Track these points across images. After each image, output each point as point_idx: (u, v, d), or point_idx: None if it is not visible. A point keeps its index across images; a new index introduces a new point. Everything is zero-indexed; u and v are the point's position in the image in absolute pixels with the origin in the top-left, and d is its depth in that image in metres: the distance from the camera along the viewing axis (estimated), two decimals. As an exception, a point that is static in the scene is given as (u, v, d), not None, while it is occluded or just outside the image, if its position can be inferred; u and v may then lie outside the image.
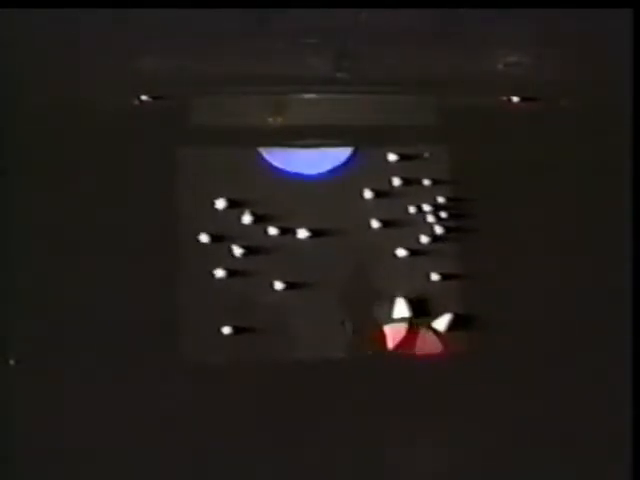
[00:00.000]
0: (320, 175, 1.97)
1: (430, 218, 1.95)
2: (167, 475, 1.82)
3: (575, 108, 2.01)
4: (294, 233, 1.93)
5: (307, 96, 2.01)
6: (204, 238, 1.92)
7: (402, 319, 1.90)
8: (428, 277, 1.92)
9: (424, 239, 1.94)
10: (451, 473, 1.86)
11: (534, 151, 1.99)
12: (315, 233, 1.93)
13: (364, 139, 1.99)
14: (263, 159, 1.97)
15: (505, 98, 2.02)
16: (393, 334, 1.89)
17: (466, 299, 1.92)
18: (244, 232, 1.93)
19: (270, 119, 2.00)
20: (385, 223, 1.94)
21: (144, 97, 1.98)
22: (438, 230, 1.94)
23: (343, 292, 1.91)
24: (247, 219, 1.92)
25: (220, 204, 1.93)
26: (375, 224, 1.94)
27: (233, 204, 1.93)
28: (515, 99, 2.02)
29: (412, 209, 1.95)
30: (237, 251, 1.91)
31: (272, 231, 1.93)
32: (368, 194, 1.95)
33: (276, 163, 1.97)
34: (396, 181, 1.96)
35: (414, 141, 1.99)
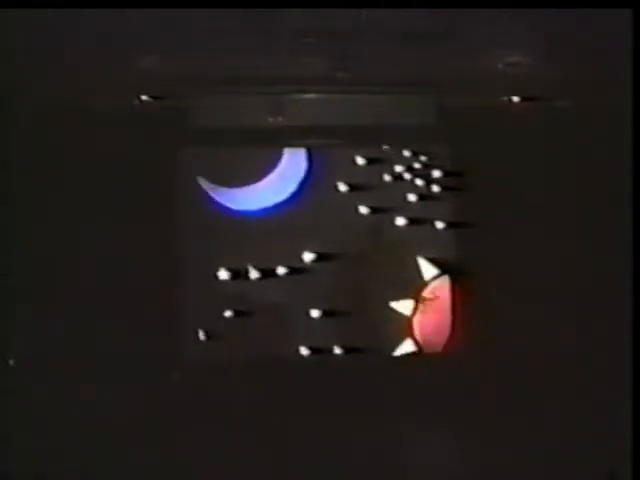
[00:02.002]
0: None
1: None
2: (167, 475, 1.82)
3: (575, 108, 2.01)
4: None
5: (307, 96, 2.01)
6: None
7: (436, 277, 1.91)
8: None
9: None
10: (450, 473, 1.86)
11: (534, 151, 1.99)
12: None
13: (364, 139, 1.99)
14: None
15: (505, 98, 2.03)
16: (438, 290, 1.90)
17: (465, 303, 1.93)
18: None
19: (270, 119, 2.00)
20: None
21: (144, 97, 1.98)
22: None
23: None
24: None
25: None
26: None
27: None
28: (515, 99, 2.02)
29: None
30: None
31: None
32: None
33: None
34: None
35: (414, 141, 2.00)
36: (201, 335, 1.89)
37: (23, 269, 1.87)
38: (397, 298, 1.93)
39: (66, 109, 1.95)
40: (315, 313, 1.91)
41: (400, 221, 1.95)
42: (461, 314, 1.93)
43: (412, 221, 1.95)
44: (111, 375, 1.84)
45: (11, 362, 1.85)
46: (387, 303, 1.93)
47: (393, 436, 1.86)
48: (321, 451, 1.84)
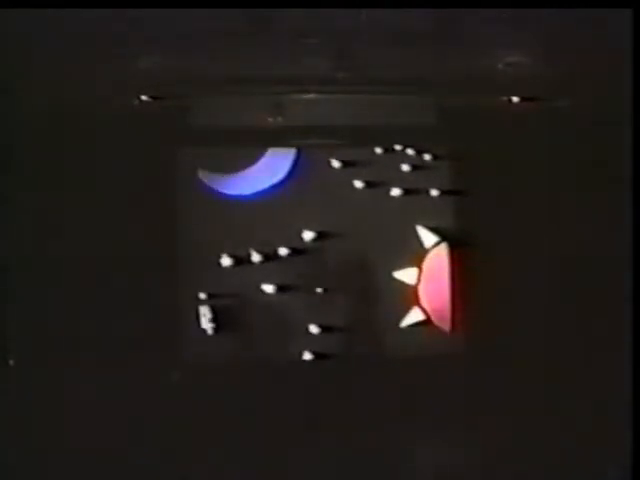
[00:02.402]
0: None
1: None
2: (167, 474, 1.82)
3: (575, 108, 2.01)
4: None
5: (307, 96, 2.01)
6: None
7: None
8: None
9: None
10: (451, 473, 1.86)
11: (534, 151, 1.99)
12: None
13: (364, 139, 1.99)
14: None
15: (505, 98, 2.02)
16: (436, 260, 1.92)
17: (466, 301, 1.93)
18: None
19: (270, 119, 2.00)
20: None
21: (144, 97, 1.98)
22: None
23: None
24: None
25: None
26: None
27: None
28: (515, 99, 2.02)
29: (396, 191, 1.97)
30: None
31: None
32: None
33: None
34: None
35: (414, 141, 2.00)
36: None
37: (23, 270, 1.87)
38: (400, 268, 1.94)
39: (66, 109, 1.95)
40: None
41: (395, 192, 1.96)
42: (460, 282, 1.93)
43: (407, 191, 1.96)
44: (111, 375, 1.84)
45: (11, 362, 1.85)
46: (391, 274, 1.94)
47: (392, 436, 1.86)
48: (320, 450, 1.84)
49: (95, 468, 1.81)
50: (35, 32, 1.96)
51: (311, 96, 2.01)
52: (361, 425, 1.85)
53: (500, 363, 1.90)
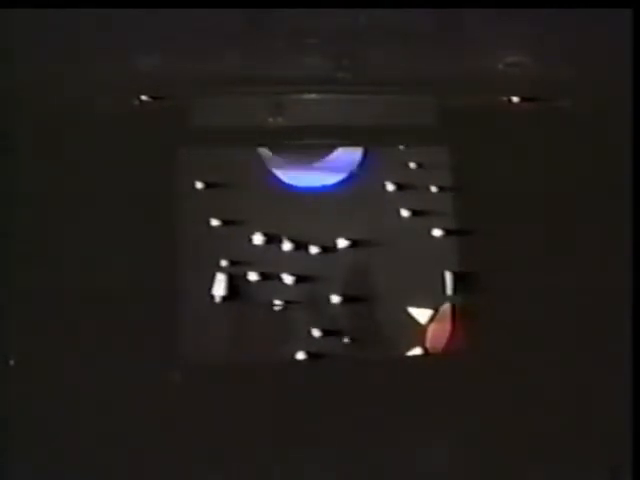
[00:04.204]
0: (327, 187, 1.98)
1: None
2: (167, 475, 1.82)
3: (575, 108, 2.01)
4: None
5: (307, 96, 2.01)
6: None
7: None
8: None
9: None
10: (450, 473, 1.86)
11: (534, 151, 1.99)
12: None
13: (364, 139, 1.99)
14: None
15: (505, 98, 2.02)
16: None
17: (465, 298, 1.93)
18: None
19: (270, 119, 2.00)
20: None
21: (144, 97, 1.98)
22: (438, 232, 1.95)
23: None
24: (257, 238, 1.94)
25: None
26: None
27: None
28: (515, 99, 2.02)
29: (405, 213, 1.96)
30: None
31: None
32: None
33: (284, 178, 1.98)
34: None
35: (414, 141, 2.00)
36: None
37: (23, 269, 1.87)
38: (416, 305, 1.93)
39: (66, 109, 1.95)
40: (335, 298, 1.91)
41: (436, 232, 1.96)
42: (460, 322, 1.93)
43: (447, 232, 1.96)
44: (111, 375, 1.84)
45: (11, 362, 1.85)
46: (405, 306, 1.93)
47: (392, 436, 1.87)
48: (320, 450, 1.84)
49: (95, 468, 1.81)
50: (35, 32, 1.96)
51: (311, 96, 2.01)
52: (361, 425, 1.85)
53: (500, 364, 1.90)
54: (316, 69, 2.01)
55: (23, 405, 1.82)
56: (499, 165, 1.98)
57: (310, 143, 1.99)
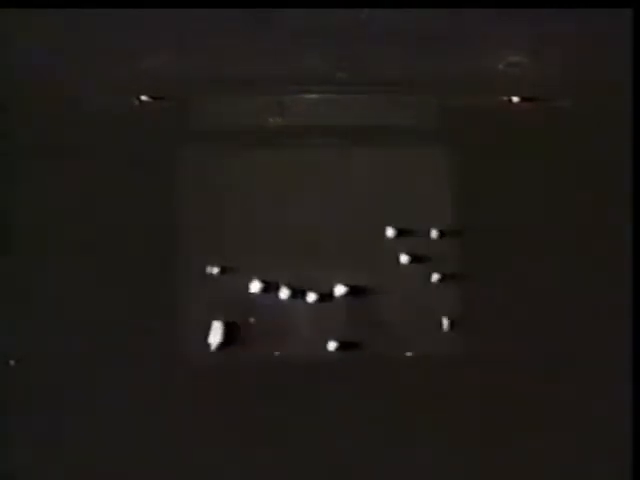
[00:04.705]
0: None
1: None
2: (167, 475, 1.82)
3: (575, 108, 2.01)
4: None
5: (307, 96, 2.01)
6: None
7: None
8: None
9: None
10: (451, 473, 1.86)
11: (534, 151, 1.99)
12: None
13: (364, 139, 1.99)
14: None
15: (505, 98, 2.02)
16: None
17: (465, 302, 1.92)
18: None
19: (270, 119, 2.00)
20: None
21: (144, 97, 1.98)
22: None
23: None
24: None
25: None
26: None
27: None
28: (515, 99, 2.02)
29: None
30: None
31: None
32: None
33: None
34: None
35: (414, 141, 1.99)
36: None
37: (23, 269, 1.87)
38: (414, 351, 1.92)
39: (66, 109, 1.95)
40: (332, 346, 1.90)
41: (435, 277, 1.94)
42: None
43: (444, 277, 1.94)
44: (111, 375, 1.84)
45: (11, 362, 1.84)
46: (404, 352, 1.92)
47: (392, 436, 1.86)
48: (320, 450, 1.84)
49: (95, 468, 1.81)
50: (35, 32, 1.96)
51: (311, 96, 2.01)
52: (361, 425, 1.85)
53: (500, 364, 1.90)
54: (316, 69, 2.01)
55: (23, 405, 1.82)
56: (499, 165, 1.98)
57: (310, 143, 1.99)
